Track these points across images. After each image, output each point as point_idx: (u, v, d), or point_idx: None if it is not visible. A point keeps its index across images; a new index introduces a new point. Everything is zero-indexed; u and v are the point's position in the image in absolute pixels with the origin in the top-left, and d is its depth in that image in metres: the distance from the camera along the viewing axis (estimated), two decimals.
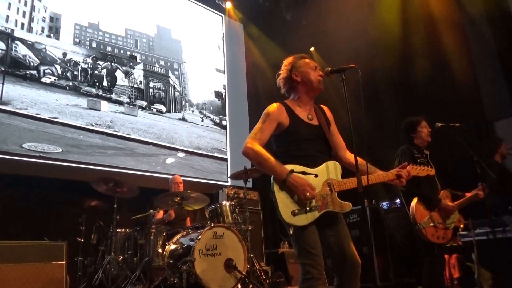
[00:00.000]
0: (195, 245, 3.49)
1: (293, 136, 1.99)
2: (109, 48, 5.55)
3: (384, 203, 5.21)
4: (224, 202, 4.23)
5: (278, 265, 4.90)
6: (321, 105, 2.21)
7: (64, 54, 5.02)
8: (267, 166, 1.87)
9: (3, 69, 4.46)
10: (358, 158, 1.89)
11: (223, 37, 7.21)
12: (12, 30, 4.63)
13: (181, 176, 4.86)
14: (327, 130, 2.07)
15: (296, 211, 1.82)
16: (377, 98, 6.04)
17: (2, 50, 4.50)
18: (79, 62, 5.15)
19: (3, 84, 4.41)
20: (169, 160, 5.64)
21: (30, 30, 4.80)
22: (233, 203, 4.23)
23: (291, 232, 1.83)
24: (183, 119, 6.14)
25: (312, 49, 6.80)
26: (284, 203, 1.84)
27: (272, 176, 1.89)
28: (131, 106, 5.53)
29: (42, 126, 4.56)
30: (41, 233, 3.68)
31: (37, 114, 4.56)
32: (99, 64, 5.36)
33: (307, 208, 1.83)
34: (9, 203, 4.04)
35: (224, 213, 4.13)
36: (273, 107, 2.03)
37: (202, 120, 6.41)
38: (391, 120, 5.87)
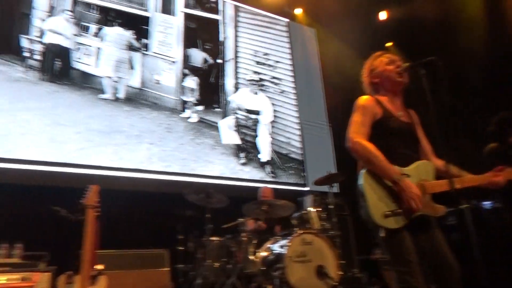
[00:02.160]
0: (285, 252, 3.54)
1: (384, 130, 1.91)
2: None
3: (486, 202, 4.72)
4: (310, 209, 4.24)
5: (373, 272, 4.72)
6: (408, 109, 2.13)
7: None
8: (377, 163, 1.79)
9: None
10: (445, 163, 1.78)
11: (291, 42, 7.25)
12: None
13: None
14: (416, 129, 1.99)
15: (388, 213, 1.75)
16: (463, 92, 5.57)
17: None
18: None
19: None
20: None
21: None
22: (319, 209, 4.21)
23: (382, 235, 1.77)
24: None
25: (389, 44, 6.55)
26: (374, 203, 1.76)
27: (362, 175, 1.82)
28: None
29: None
30: (146, 242, 4.05)
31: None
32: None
33: (399, 211, 1.76)
34: (118, 216, 4.49)
35: (311, 219, 4.13)
36: (366, 98, 1.98)
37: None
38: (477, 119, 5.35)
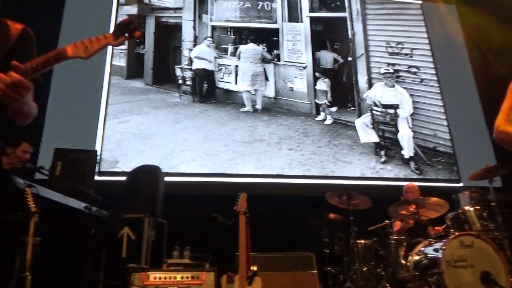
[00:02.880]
0: (441, 256, 3.27)
1: None
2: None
3: None
4: (467, 207, 3.81)
5: None
6: None
7: None
8: None
9: None
10: None
11: (426, 25, 6.60)
12: None
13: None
14: None
15: None
16: None
17: None
18: None
19: None
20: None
21: None
22: (478, 207, 3.75)
23: None
24: None
25: None
26: None
27: None
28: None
29: None
30: (293, 245, 4.24)
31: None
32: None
33: None
34: (264, 220, 4.80)
35: (469, 219, 3.71)
36: None
37: None
38: None
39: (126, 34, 1.31)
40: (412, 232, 4.19)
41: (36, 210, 2.44)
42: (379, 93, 5.99)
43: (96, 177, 4.55)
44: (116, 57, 5.60)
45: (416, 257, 3.69)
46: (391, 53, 6.29)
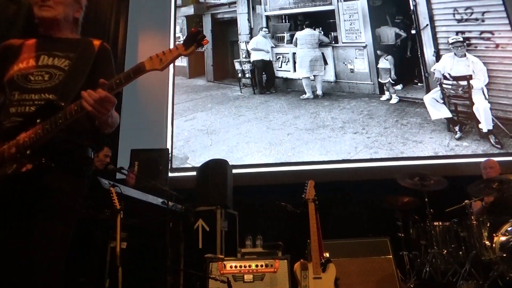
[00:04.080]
0: None
1: None
2: None
3: None
4: None
5: None
6: None
7: None
8: None
9: None
10: None
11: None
12: None
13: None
14: None
15: None
16: None
17: None
18: None
19: None
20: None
21: None
22: None
23: None
24: None
25: None
26: None
27: None
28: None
29: None
30: (366, 231, 4.16)
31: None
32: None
33: None
34: (332, 207, 4.77)
35: None
36: None
37: None
38: None
39: (195, 44, 1.40)
40: (495, 212, 3.90)
41: (120, 207, 2.67)
42: (448, 65, 5.57)
43: (169, 174, 4.84)
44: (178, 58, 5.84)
45: (503, 238, 3.43)
46: (459, 20, 5.81)
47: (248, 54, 5.85)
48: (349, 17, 5.92)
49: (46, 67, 1.65)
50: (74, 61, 1.68)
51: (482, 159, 4.40)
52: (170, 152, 5.12)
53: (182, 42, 1.45)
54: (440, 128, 5.24)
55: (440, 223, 3.97)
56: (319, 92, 5.63)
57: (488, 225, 3.67)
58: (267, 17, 6.03)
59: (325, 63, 5.75)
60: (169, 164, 4.93)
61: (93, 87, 1.52)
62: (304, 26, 5.93)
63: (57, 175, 1.52)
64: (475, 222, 3.69)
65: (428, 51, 5.70)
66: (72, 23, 1.82)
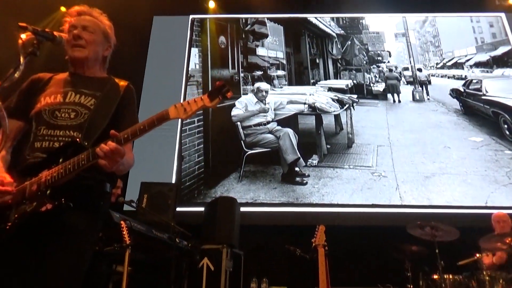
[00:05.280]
0: None
1: None
2: None
3: None
4: None
5: None
6: None
7: None
8: None
9: None
10: None
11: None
12: None
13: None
14: None
15: None
16: None
17: None
18: None
19: None
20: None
21: None
22: None
23: None
24: None
25: None
26: None
27: None
28: None
29: None
30: (373, 280, 4.05)
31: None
32: None
33: None
34: (342, 252, 4.67)
35: None
36: None
37: None
38: None
39: (220, 96, 1.44)
40: (507, 268, 3.78)
41: (130, 242, 2.65)
42: None
43: (177, 208, 4.81)
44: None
45: None
46: None
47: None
48: None
49: (72, 104, 1.70)
50: (100, 100, 1.73)
51: (494, 211, 4.34)
52: (179, 186, 5.13)
53: (207, 93, 1.49)
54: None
55: (451, 276, 3.85)
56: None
57: (501, 281, 3.56)
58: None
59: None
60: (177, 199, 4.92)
61: (116, 127, 1.56)
62: None
63: (75, 212, 1.53)
64: (487, 277, 3.58)
65: None
66: (101, 62, 1.89)
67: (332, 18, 6.48)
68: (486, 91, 5.72)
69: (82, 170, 1.50)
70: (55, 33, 1.54)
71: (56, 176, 1.47)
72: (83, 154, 1.48)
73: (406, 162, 5.35)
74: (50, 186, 1.47)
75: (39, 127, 1.64)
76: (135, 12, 5.79)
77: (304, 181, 5.31)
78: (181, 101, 5.87)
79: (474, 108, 5.70)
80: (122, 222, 2.76)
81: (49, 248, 1.46)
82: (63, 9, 5.73)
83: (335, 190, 5.20)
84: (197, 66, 6.18)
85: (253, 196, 5.24)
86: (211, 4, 6.31)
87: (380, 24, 6.45)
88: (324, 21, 6.48)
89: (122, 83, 1.84)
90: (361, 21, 6.45)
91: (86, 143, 1.57)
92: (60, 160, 1.51)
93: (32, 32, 1.41)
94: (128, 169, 1.68)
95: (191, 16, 6.42)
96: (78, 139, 1.57)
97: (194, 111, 1.47)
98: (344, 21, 6.48)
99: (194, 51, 6.28)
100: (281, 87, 6.08)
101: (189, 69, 6.15)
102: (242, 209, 4.61)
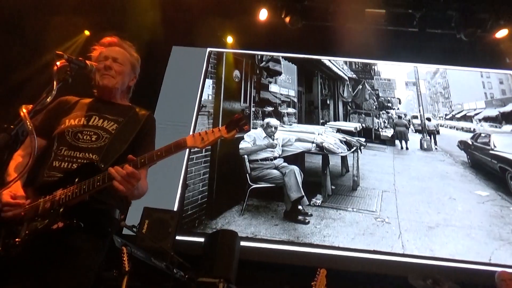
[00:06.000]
0: None
1: None
2: None
3: None
4: None
5: None
6: None
7: None
8: None
9: None
10: None
11: None
12: None
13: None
14: None
15: None
16: None
17: None
18: None
19: None
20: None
21: None
22: None
23: None
24: None
25: None
26: None
27: None
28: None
29: None
30: None
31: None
32: None
33: None
34: None
35: None
36: None
37: None
38: None
39: (237, 128, 1.49)
40: None
41: (129, 269, 2.62)
42: None
43: (177, 236, 4.75)
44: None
45: None
46: None
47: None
48: None
49: (95, 127, 1.75)
50: (122, 125, 1.78)
51: (498, 269, 4.25)
52: (181, 215, 5.10)
53: (225, 125, 1.53)
54: None
55: None
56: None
57: None
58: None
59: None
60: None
61: (134, 153, 1.60)
62: None
63: (83, 235, 1.54)
64: None
65: None
66: (125, 91, 1.97)
67: (345, 62, 6.64)
68: (494, 146, 5.74)
69: (95, 192, 1.52)
70: (88, 62, 1.61)
71: (70, 195, 1.50)
72: (98, 176, 1.51)
73: (411, 210, 5.30)
74: (63, 205, 1.49)
75: (60, 147, 1.69)
76: (156, 40, 5.98)
77: (307, 220, 5.26)
78: (191, 129, 6.01)
79: (481, 162, 5.71)
80: (123, 247, 2.74)
81: (53, 267, 1.47)
82: (86, 32, 5.93)
83: (337, 232, 5.13)
84: (210, 97, 6.30)
85: (254, 231, 5.18)
86: (229, 39, 6.50)
87: (391, 71, 6.60)
88: (337, 64, 6.65)
89: (144, 112, 1.91)
90: (373, 67, 6.60)
91: (102, 166, 1.60)
92: (76, 180, 1.54)
93: (66, 60, 1.48)
94: (141, 195, 1.70)
95: (208, 49, 6.61)
96: (95, 161, 1.61)
97: (211, 142, 1.51)
98: (357, 66, 6.64)
99: (209, 82, 6.42)
100: (291, 125, 6.15)
101: (202, 99, 6.26)
102: (242, 243, 4.55)
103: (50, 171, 1.63)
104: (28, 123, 1.24)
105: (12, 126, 1.24)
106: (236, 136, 1.54)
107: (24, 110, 1.27)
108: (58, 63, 1.45)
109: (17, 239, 1.44)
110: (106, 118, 1.79)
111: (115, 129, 1.76)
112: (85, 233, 1.54)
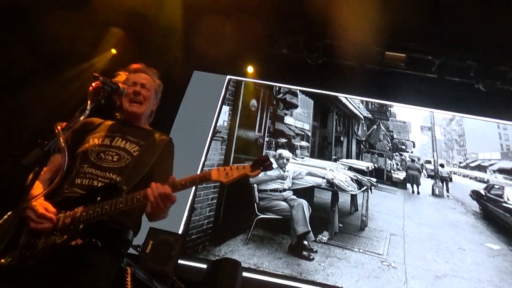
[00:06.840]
0: None
1: None
2: None
3: None
4: None
5: None
6: None
7: None
8: None
9: None
10: None
11: None
12: None
13: None
14: None
15: None
16: None
17: None
18: None
19: None
20: None
21: None
22: None
23: None
24: None
25: None
26: None
27: None
28: None
29: None
30: None
31: None
32: None
33: None
34: None
35: None
36: None
37: None
38: None
39: (261, 168, 1.52)
40: None
41: None
42: None
43: (179, 260, 4.71)
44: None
45: None
46: None
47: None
48: None
49: (117, 148, 1.80)
50: (143, 149, 1.83)
51: None
52: (185, 239, 5.06)
53: (251, 164, 1.57)
54: None
55: None
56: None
57: None
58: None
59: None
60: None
61: (152, 176, 1.63)
62: None
63: (98, 252, 1.55)
64: None
65: None
66: (148, 116, 2.04)
67: (362, 101, 6.71)
68: (508, 199, 5.66)
69: (115, 213, 1.55)
70: (120, 84, 1.67)
71: (92, 214, 1.52)
72: (121, 198, 1.53)
73: (418, 257, 5.19)
74: (84, 222, 1.51)
75: (82, 165, 1.73)
76: (178, 64, 6.14)
77: (311, 257, 5.17)
78: (204, 153, 6.06)
79: (494, 214, 5.61)
80: (128, 268, 2.72)
81: (69, 283, 1.47)
82: (113, 51, 6.12)
83: (341, 272, 5.02)
84: (225, 123, 6.38)
85: (256, 262, 5.11)
86: (250, 69, 6.64)
87: (407, 114, 6.64)
88: (353, 102, 6.72)
89: (164, 137, 1.96)
90: (389, 108, 6.65)
91: (125, 187, 1.63)
92: (98, 199, 1.57)
93: (101, 82, 1.54)
94: (162, 218, 1.73)
95: (228, 76, 6.75)
96: (118, 184, 1.64)
97: (235, 178, 1.54)
98: (373, 106, 6.70)
99: (225, 108, 6.52)
100: (303, 158, 6.16)
101: (217, 124, 6.34)
102: (244, 273, 4.47)
103: (72, 187, 1.66)
104: (62, 141, 1.27)
105: (46, 142, 1.28)
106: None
107: (59, 128, 1.31)
108: (93, 84, 1.51)
109: (34, 252, 1.45)
110: (129, 140, 1.84)
111: (136, 151, 1.80)
112: (101, 252, 1.56)
